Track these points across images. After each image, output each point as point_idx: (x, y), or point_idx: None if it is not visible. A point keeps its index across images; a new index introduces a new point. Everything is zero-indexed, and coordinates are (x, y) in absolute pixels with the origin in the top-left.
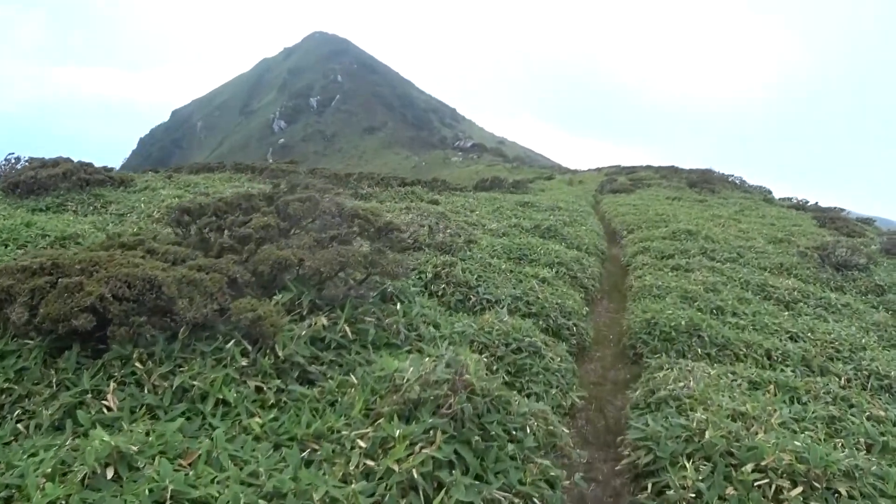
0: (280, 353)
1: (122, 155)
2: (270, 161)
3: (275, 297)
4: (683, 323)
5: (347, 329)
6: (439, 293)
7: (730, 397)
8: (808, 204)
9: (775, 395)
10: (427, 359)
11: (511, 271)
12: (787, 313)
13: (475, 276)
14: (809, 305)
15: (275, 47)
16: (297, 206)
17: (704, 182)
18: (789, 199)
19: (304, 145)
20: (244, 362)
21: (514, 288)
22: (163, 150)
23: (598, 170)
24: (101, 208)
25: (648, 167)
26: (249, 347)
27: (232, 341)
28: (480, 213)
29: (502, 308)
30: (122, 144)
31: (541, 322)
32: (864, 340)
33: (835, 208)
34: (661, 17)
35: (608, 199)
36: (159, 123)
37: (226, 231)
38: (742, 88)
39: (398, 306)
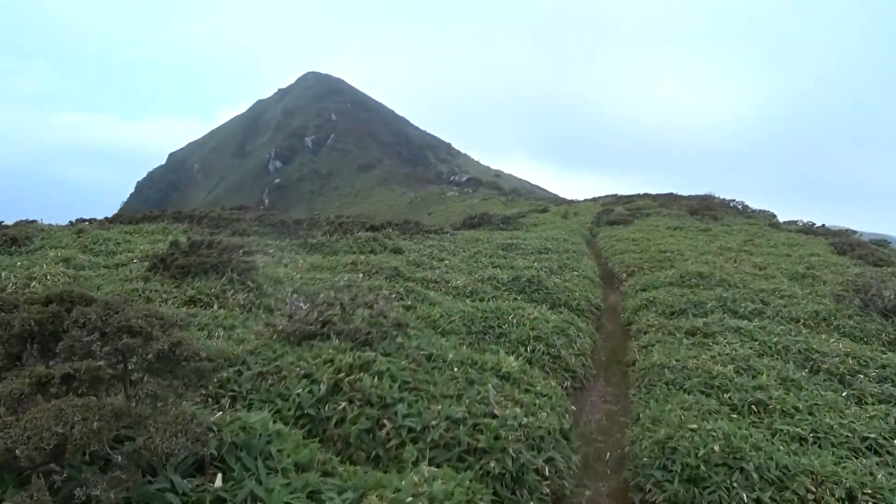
0: None
1: (122, 199)
2: (266, 201)
3: None
4: (717, 448)
5: None
6: (334, 421)
7: None
8: (816, 227)
9: None
10: None
11: (463, 363)
12: (844, 393)
13: (398, 385)
14: (871, 378)
15: (269, 88)
16: (26, 318)
17: (706, 209)
18: (794, 222)
19: (300, 185)
20: None
21: (459, 399)
22: (160, 192)
23: (595, 199)
24: None
25: (646, 195)
26: None
27: None
28: (452, 262)
29: (427, 455)
30: (121, 189)
31: (493, 464)
32: None
33: (846, 230)
34: (648, 48)
35: (605, 233)
36: (156, 166)
37: None
38: (730, 113)
39: (217, 484)
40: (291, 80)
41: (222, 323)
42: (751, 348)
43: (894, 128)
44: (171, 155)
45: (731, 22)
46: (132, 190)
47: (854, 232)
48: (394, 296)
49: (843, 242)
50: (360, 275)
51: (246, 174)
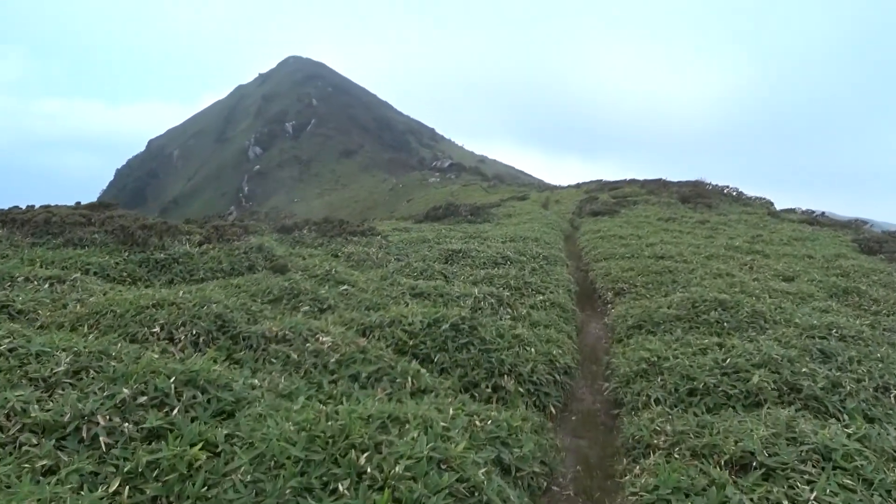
0: None
1: (101, 187)
2: (245, 188)
3: None
4: None
5: None
6: None
7: None
8: (816, 215)
9: None
10: None
11: None
12: None
13: None
14: None
15: (250, 73)
16: None
17: (698, 196)
18: (793, 210)
19: (280, 171)
20: None
21: None
22: (138, 180)
23: (578, 186)
24: None
25: (633, 181)
26: None
27: None
28: (357, 285)
29: None
30: (101, 177)
31: None
32: None
33: (856, 221)
34: (630, 32)
35: (588, 226)
36: (136, 154)
37: None
38: (713, 96)
39: None
40: (273, 65)
41: None
42: None
43: (868, 110)
44: (150, 142)
45: (711, 3)
46: (112, 178)
47: (865, 222)
48: (138, 401)
49: (868, 239)
50: (154, 331)
51: (225, 161)
